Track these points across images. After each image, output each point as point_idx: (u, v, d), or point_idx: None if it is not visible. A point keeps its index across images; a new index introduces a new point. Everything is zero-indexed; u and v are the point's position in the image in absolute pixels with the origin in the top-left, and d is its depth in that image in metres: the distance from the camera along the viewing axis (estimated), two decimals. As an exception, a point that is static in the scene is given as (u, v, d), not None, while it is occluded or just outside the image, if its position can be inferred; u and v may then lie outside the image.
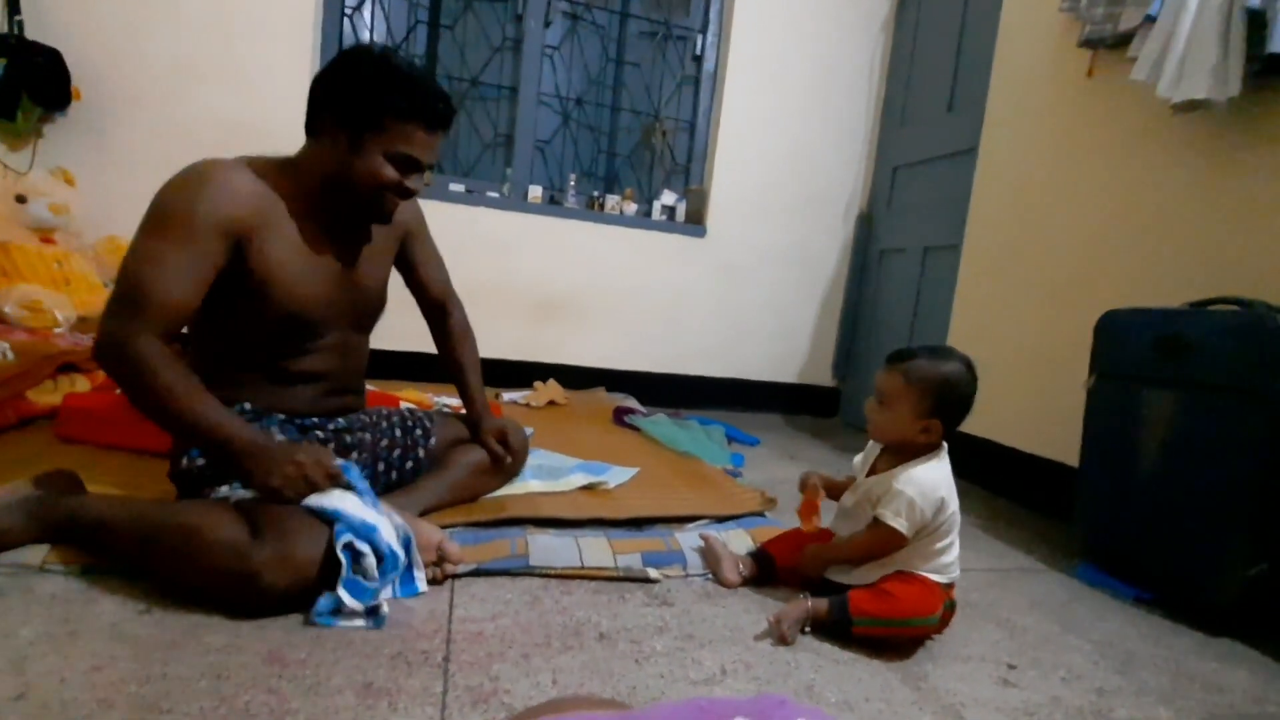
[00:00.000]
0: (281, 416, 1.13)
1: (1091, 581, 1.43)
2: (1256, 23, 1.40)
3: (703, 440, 2.14)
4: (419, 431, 1.33)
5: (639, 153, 3.17)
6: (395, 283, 1.33)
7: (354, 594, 0.91)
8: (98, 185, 2.32)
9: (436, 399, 2.18)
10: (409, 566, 1.01)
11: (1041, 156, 2.06)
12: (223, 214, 0.99)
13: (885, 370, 1.10)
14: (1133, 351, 1.43)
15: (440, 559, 1.07)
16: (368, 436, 1.25)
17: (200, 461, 1.05)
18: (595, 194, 2.99)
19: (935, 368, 1.06)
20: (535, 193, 2.88)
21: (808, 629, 1.04)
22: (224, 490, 1.01)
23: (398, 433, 1.31)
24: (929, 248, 2.68)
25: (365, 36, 2.77)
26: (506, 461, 1.39)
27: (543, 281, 2.86)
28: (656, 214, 3.02)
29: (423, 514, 1.20)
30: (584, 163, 3.10)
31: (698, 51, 3.07)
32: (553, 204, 2.92)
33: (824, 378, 3.24)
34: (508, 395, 2.56)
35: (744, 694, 0.87)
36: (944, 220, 2.55)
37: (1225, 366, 1.26)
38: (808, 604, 1.03)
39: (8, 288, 1.90)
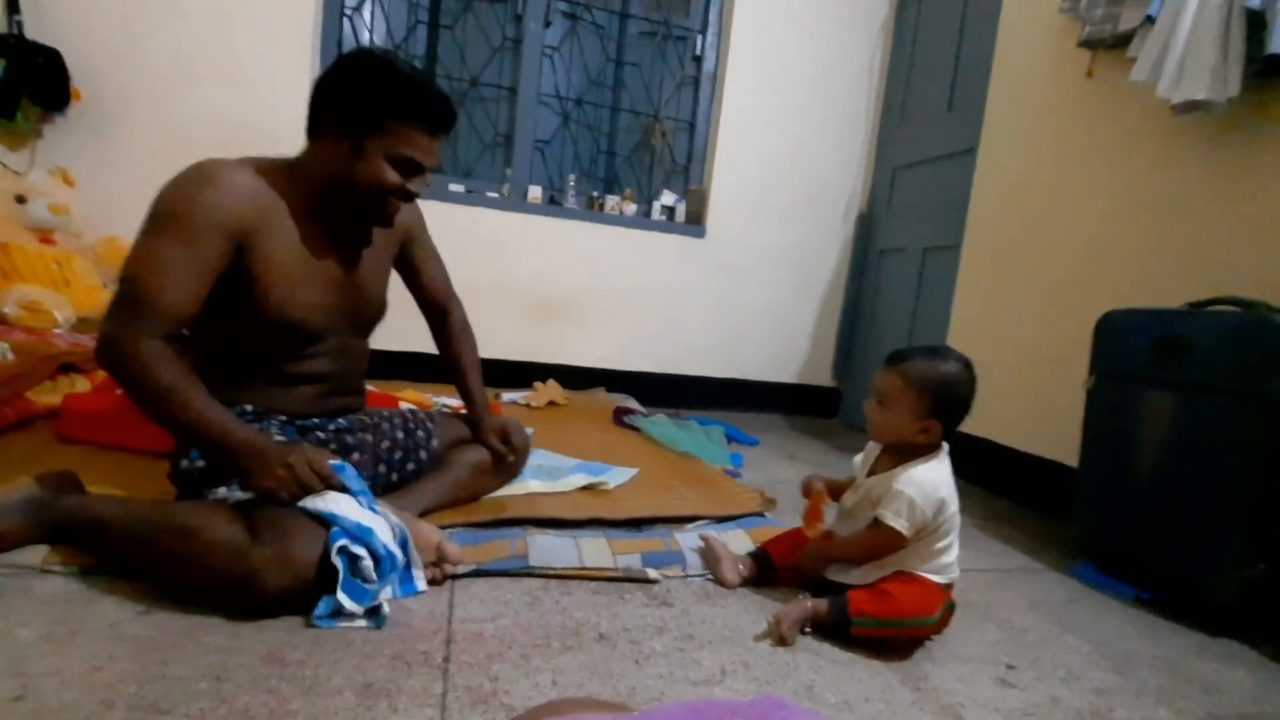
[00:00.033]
0: (282, 418, 1.13)
1: (1091, 582, 1.43)
2: (1256, 23, 1.40)
3: (702, 440, 2.15)
4: (421, 433, 1.33)
5: (639, 153, 3.17)
6: (395, 283, 1.33)
7: (353, 597, 0.91)
8: (97, 185, 2.32)
9: (436, 399, 2.18)
10: (407, 566, 1.01)
11: (1041, 157, 2.06)
12: (225, 214, 0.99)
13: (884, 370, 1.10)
14: (1132, 352, 1.43)
15: (440, 559, 1.07)
16: (369, 438, 1.25)
17: (200, 463, 1.05)
18: (595, 194, 2.99)
19: (934, 368, 1.06)
20: (535, 193, 2.88)
21: (807, 629, 1.04)
22: (221, 491, 1.02)
23: (400, 434, 1.30)
24: (928, 248, 2.68)
25: (365, 36, 2.77)
26: (509, 460, 1.39)
27: (542, 282, 2.86)
28: (656, 214, 3.02)
29: (423, 514, 1.20)
30: (584, 163, 3.10)
31: (698, 52, 3.07)
32: (552, 204, 2.92)
33: (824, 378, 3.25)
34: (507, 395, 2.56)
35: (743, 694, 0.87)
36: (943, 220, 2.55)
37: (1224, 367, 1.26)
38: (807, 604, 1.04)
39: (7, 288, 1.90)
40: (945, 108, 2.65)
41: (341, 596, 0.90)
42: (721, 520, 1.45)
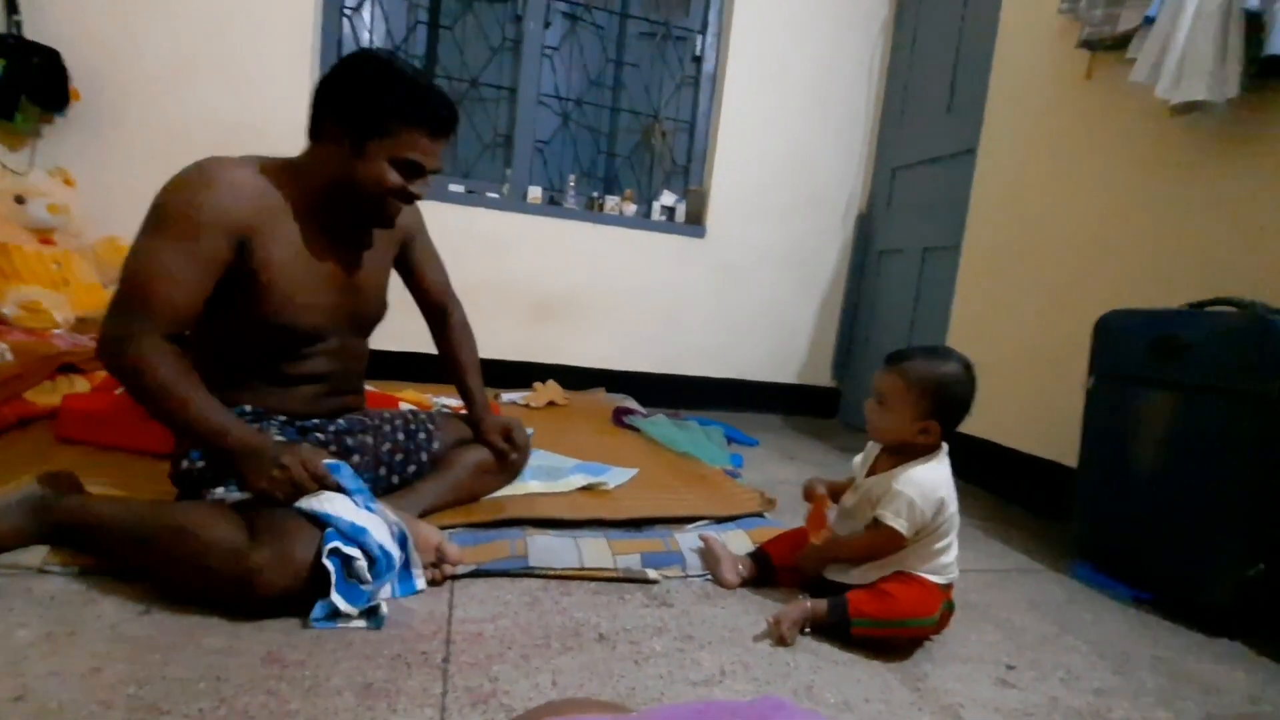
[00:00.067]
0: (282, 418, 1.13)
1: (1090, 582, 1.43)
2: (1254, 24, 1.40)
3: (702, 441, 2.15)
4: (422, 435, 1.33)
5: (638, 153, 3.17)
6: (395, 283, 1.33)
7: (348, 598, 0.91)
8: (97, 185, 2.32)
9: (436, 399, 2.18)
10: (406, 565, 1.01)
11: (1040, 157, 2.07)
12: (226, 213, 0.99)
13: (884, 371, 1.10)
14: (1131, 352, 1.43)
15: (439, 560, 1.07)
16: (369, 440, 1.24)
17: (201, 463, 1.05)
18: (595, 195, 2.99)
19: (933, 368, 1.06)
20: (535, 193, 2.88)
21: (807, 630, 1.04)
22: (220, 491, 1.02)
23: (400, 436, 1.30)
24: (928, 248, 2.68)
25: (365, 37, 2.77)
26: (512, 458, 1.39)
27: (542, 282, 2.86)
28: (656, 214, 3.02)
29: (423, 514, 1.20)
30: (583, 163, 3.10)
31: (697, 52, 3.07)
32: (552, 205, 2.92)
33: (823, 378, 3.25)
34: (507, 396, 2.56)
35: (743, 695, 0.87)
36: (943, 221, 2.55)
37: (1223, 367, 1.27)
38: (807, 605, 1.04)
39: (6, 288, 1.90)
40: (945, 108, 2.65)
41: (336, 598, 0.90)
42: (721, 521, 1.45)
